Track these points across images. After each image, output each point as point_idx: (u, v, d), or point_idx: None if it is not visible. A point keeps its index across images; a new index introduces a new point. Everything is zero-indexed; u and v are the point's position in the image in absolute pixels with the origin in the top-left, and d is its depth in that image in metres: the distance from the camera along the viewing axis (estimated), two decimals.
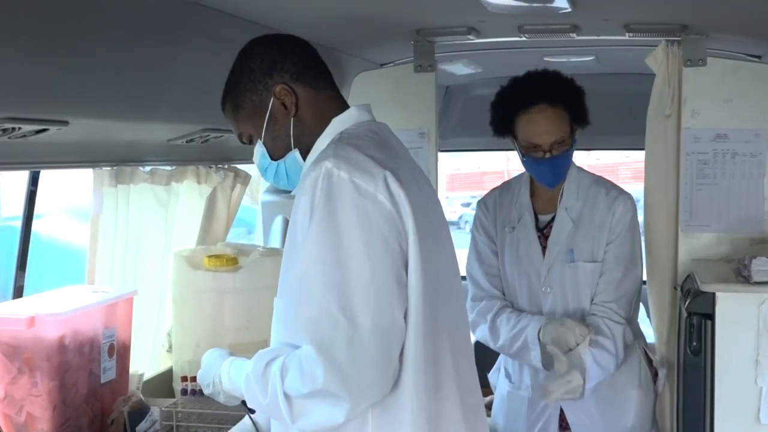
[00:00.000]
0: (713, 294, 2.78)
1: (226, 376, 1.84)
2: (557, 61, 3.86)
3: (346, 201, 1.65)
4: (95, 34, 2.03)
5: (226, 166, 3.31)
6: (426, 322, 1.70)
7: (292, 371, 1.65)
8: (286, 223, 4.01)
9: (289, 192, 1.90)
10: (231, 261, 2.97)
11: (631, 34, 3.03)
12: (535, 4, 2.60)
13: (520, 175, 2.85)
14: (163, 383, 3.04)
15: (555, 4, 2.61)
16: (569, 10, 2.65)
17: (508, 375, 2.94)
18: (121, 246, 2.98)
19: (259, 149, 1.90)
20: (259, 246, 3.54)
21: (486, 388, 3.93)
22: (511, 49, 3.52)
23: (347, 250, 1.64)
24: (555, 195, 2.76)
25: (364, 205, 1.65)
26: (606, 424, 2.78)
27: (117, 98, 2.27)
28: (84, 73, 2.07)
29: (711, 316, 2.79)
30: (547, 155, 2.65)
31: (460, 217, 19.41)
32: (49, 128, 2.07)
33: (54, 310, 2.31)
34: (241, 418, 2.48)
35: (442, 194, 2.18)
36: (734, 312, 2.75)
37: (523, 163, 2.72)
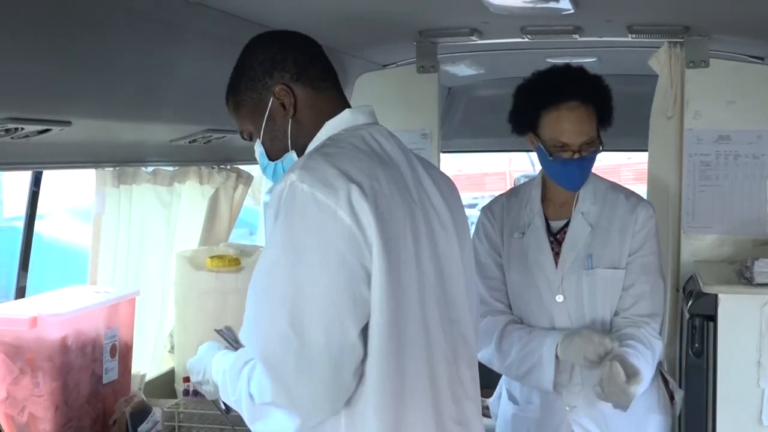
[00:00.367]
0: (716, 296, 2.78)
1: (215, 367, 1.87)
2: (560, 62, 3.86)
3: (305, 216, 1.64)
4: (98, 34, 2.03)
5: (228, 167, 3.31)
6: (390, 337, 1.68)
7: (255, 378, 1.70)
8: None
9: None
10: (233, 262, 2.97)
11: (633, 36, 3.03)
12: (538, 5, 2.60)
13: (530, 181, 2.68)
14: (165, 384, 3.04)
15: (558, 6, 2.61)
16: (572, 11, 2.65)
17: (512, 398, 2.71)
18: (124, 246, 2.98)
19: (258, 148, 1.90)
20: (262, 247, 3.54)
21: (487, 389, 3.94)
22: (514, 50, 3.52)
23: (301, 266, 1.63)
24: (569, 200, 2.57)
25: (322, 221, 1.63)
26: None
27: (119, 99, 2.27)
28: (87, 74, 2.08)
29: (713, 318, 2.79)
30: (576, 156, 2.46)
31: None
32: (52, 128, 2.08)
33: (56, 310, 2.31)
34: (240, 419, 2.48)
35: None
36: (736, 314, 2.75)
37: (546, 163, 2.52)
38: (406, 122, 3.40)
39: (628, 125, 4.00)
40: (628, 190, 2.67)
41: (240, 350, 1.81)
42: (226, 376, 1.78)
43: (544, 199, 2.61)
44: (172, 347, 3.15)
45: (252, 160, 3.32)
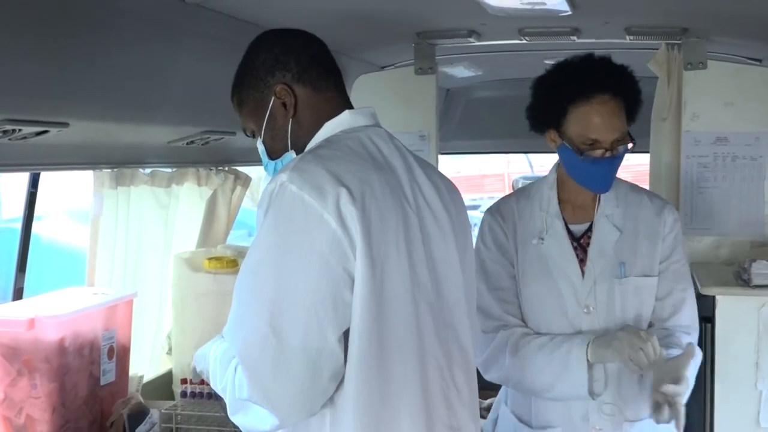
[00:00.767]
0: (713, 297, 2.79)
1: (211, 354, 1.88)
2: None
3: (292, 217, 1.64)
4: (96, 36, 2.03)
5: (226, 169, 3.31)
6: (371, 342, 1.67)
7: (238, 373, 1.70)
8: None
9: None
10: (231, 263, 2.97)
11: (631, 37, 3.03)
12: (536, 7, 2.60)
13: (540, 181, 2.46)
14: (162, 386, 3.04)
15: (556, 7, 2.61)
16: (570, 13, 2.65)
17: (524, 421, 2.43)
18: (122, 248, 2.98)
19: (260, 146, 1.90)
20: None
21: (486, 391, 3.93)
22: (512, 51, 3.52)
23: (284, 267, 1.63)
24: (587, 202, 2.37)
25: (308, 224, 1.63)
26: None
27: (117, 100, 2.27)
28: (85, 75, 2.07)
29: (711, 320, 2.80)
30: (607, 154, 2.25)
31: None
32: (50, 130, 2.07)
33: (54, 312, 2.30)
34: None
35: None
36: (734, 315, 2.76)
37: (573, 163, 2.30)
38: (404, 124, 3.40)
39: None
40: (649, 191, 2.54)
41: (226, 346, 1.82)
42: (217, 363, 1.80)
43: (560, 201, 2.41)
44: (170, 349, 3.15)
45: (250, 162, 3.35)
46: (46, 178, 2.86)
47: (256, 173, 3.67)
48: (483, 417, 3.58)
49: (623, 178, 2.44)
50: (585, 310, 2.31)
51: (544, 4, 2.58)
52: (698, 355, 2.25)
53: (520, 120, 4.91)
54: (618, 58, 3.66)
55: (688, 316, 2.36)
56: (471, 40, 3.13)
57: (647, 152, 3.29)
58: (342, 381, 1.68)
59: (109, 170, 2.85)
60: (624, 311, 2.31)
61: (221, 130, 2.82)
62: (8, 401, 2.28)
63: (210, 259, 2.97)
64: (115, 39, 2.10)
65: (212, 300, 2.91)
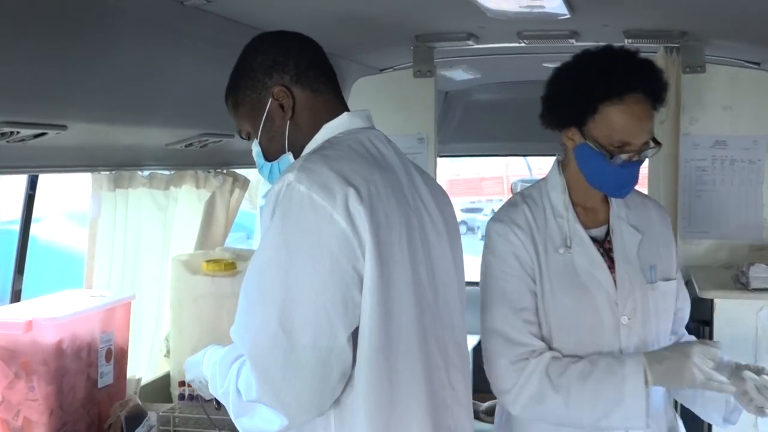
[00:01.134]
0: (711, 300, 2.79)
1: (206, 360, 1.88)
2: (557, 66, 3.86)
3: (301, 217, 1.64)
4: (94, 38, 2.03)
5: (224, 171, 3.31)
6: (380, 342, 1.68)
7: (243, 374, 1.70)
8: None
9: None
10: (229, 266, 2.97)
11: (630, 41, 3.03)
12: (534, 10, 2.60)
13: (541, 185, 2.26)
14: (160, 388, 3.04)
15: (554, 11, 2.61)
16: (568, 16, 2.66)
17: None
18: (120, 250, 2.97)
19: (255, 148, 1.90)
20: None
21: (485, 394, 3.93)
22: (511, 54, 3.52)
23: (294, 267, 1.63)
24: (597, 204, 2.22)
25: (318, 223, 1.63)
26: None
27: (116, 102, 2.27)
28: (83, 77, 2.07)
29: (709, 323, 2.80)
30: (635, 158, 2.09)
31: (460, 222, 19.40)
32: (48, 132, 2.07)
33: (52, 314, 2.30)
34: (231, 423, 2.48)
35: None
36: (732, 318, 2.76)
37: (595, 164, 2.12)
38: (403, 126, 3.40)
39: None
40: (640, 191, 2.39)
41: (231, 345, 1.81)
42: (216, 368, 1.79)
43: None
44: (168, 351, 3.14)
45: (248, 164, 3.34)
46: (44, 180, 2.86)
47: (255, 176, 3.66)
48: (480, 419, 3.59)
49: None
50: (623, 321, 2.12)
51: (543, 7, 2.58)
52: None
53: (518, 123, 4.92)
54: None
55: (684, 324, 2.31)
56: (470, 43, 3.13)
57: None
58: (350, 381, 1.68)
59: (108, 172, 2.85)
60: (656, 321, 2.17)
61: (219, 133, 2.82)
62: (6, 404, 2.28)
63: (208, 261, 2.97)
64: (113, 41, 2.10)
65: (210, 302, 2.91)
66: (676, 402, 2.41)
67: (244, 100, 1.86)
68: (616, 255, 2.17)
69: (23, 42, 1.83)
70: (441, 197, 1.92)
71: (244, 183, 3.41)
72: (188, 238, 3.22)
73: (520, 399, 2.10)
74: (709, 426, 2.78)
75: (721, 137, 3.17)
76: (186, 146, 2.80)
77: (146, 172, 3.02)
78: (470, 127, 4.69)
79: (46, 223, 6.10)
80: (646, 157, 2.13)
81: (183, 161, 3.06)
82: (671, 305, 2.22)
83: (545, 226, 2.19)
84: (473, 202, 21.28)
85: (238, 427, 1.75)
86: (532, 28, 2.96)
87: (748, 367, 2.05)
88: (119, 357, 2.59)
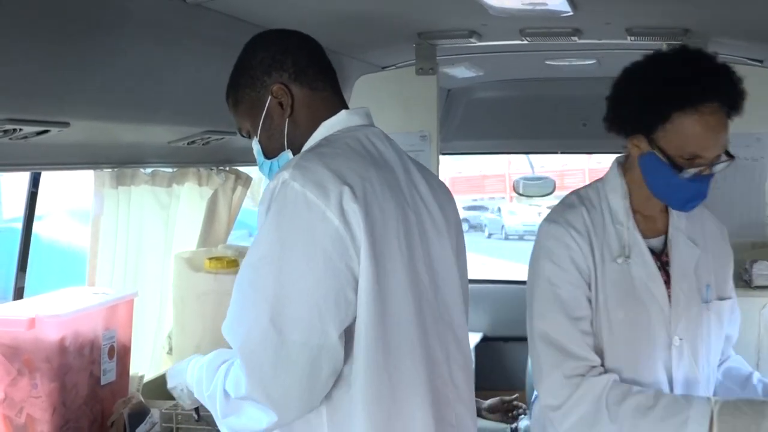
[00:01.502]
0: None
1: (191, 367, 1.91)
2: (559, 64, 3.86)
3: (295, 215, 1.65)
4: (96, 35, 2.03)
5: (227, 168, 3.31)
6: (377, 339, 1.68)
7: (232, 373, 1.72)
8: None
9: None
10: (232, 263, 2.97)
11: (632, 38, 3.03)
12: (537, 8, 2.59)
13: (599, 187, 2.12)
14: (163, 385, 3.02)
15: (557, 8, 2.61)
16: (571, 13, 2.65)
17: None
18: (122, 248, 2.98)
19: (255, 146, 1.91)
20: None
21: (488, 391, 3.92)
22: (513, 52, 3.52)
23: (287, 264, 1.64)
24: (656, 213, 2.10)
25: (311, 221, 1.64)
26: None
27: (118, 100, 2.27)
28: (85, 75, 2.07)
29: None
30: (706, 171, 1.95)
31: (462, 220, 19.40)
32: (50, 130, 2.07)
33: (54, 311, 2.30)
34: None
35: None
36: None
37: (663, 176, 1.97)
38: (405, 124, 3.40)
39: None
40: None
41: (218, 350, 1.84)
42: (203, 371, 1.81)
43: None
44: (171, 349, 3.15)
45: (251, 162, 3.33)
46: (47, 177, 2.86)
47: (257, 173, 3.66)
48: (482, 417, 3.59)
49: None
50: (675, 341, 2.01)
51: (545, 4, 2.57)
52: None
53: (521, 120, 4.93)
54: (619, 59, 3.63)
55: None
56: (472, 40, 3.13)
57: None
58: (344, 378, 1.69)
59: (110, 170, 2.85)
60: (710, 341, 2.06)
61: (222, 130, 2.82)
62: (8, 401, 2.28)
63: (210, 259, 2.97)
64: (115, 39, 2.10)
65: (213, 300, 2.91)
66: None
67: (243, 98, 1.88)
68: (673, 270, 2.04)
69: (25, 40, 1.83)
70: (442, 194, 1.93)
71: (247, 180, 3.41)
72: (191, 235, 3.22)
73: (570, 417, 1.98)
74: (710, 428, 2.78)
75: None
76: (188, 144, 2.80)
77: (149, 170, 3.02)
78: (472, 124, 4.69)
79: (48, 221, 6.11)
80: (718, 170, 1.98)
81: (185, 159, 3.07)
82: (724, 326, 2.11)
83: (603, 232, 2.05)
84: (476, 200, 21.33)
85: (225, 428, 1.76)
86: (535, 25, 2.96)
87: None
88: (122, 354, 2.59)
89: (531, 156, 12.30)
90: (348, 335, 1.68)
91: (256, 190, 3.89)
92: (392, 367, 1.71)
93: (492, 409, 3.59)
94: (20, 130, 1.99)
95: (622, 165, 2.11)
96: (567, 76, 4.21)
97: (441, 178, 3.53)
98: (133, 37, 2.17)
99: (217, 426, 1.83)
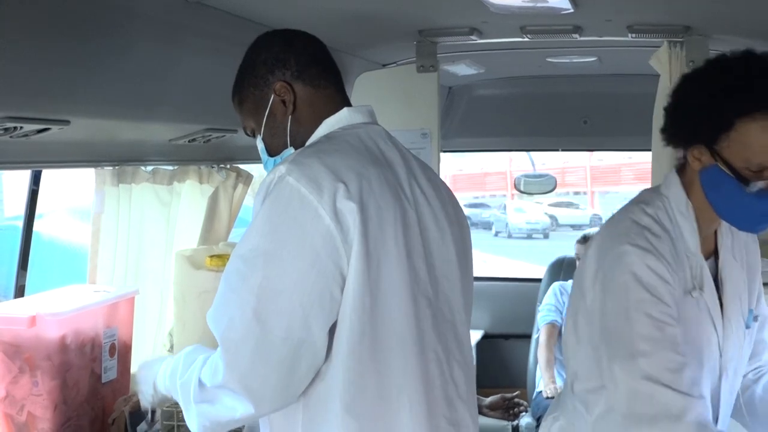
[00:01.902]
0: None
1: (166, 363, 1.91)
2: (560, 61, 3.86)
3: (287, 209, 1.66)
4: (97, 33, 2.03)
5: (228, 166, 3.31)
6: (363, 337, 1.69)
7: (210, 362, 1.73)
8: None
9: None
10: None
11: (633, 35, 3.03)
12: (537, 5, 2.59)
13: (665, 205, 1.91)
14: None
15: (557, 5, 2.60)
16: (571, 10, 2.65)
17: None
18: (123, 246, 2.98)
19: (259, 144, 1.93)
20: None
21: (489, 389, 3.92)
22: (514, 49, 3.52)
23: (275, 257, 1.65)
24: (711, 233, 1.96)
25: (303, 217, 1.65)
26: None
27: (119, 98, 2.27)
28: (86, 73, 2.07)
29: None
30: None
31: None
32: (51, 127, 2.07)
33: (55, 309, 2.30)
34: None
35: None
36: None
37: (725, 191, 1.81)
38: (406, 122, 3.40)
39: (629, 125, 4.02)
40: None
41: (197, 345, 1.87)
42: (180, 360, 1.82)
43: None
44: (172, 346, 3.15)
45: (251, 160, 3.35)
46: (48, 175, 2.86)
47: (258, 171, 3.67)
48: (483, 414, 3.59)
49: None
50: (726, 370, 1.91)
51: (546, 1, 2.57)
52: None
53: (522, 118, 4.92)
54: (620, 56, 3.62)
55: None
56: (473, 37, 3.13)
57: (649, 150, 3.28)
58: (320, 374, 1.70)
59: (111, 168, 2.85)
60: (741, 370, 1.97)
61: (223, 128, 2.82)
62: (10, 399, 2.28)
63: (211, 256, 2.97)
64: (116, 37, 2.10)
65: (213, 297, 2.91)
66: None
67: (248, 97, 1.90)
68: (726, 297, 1.92)
69: (26, 38, 1.83)
70: (445, 193, 1.93)
71: (248, 178, 3.41)
72: (191, 233, 3.22)
73: None
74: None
75: None
76: (189, 141, 2.80)
77: (149, 168, 3.02)
78: (474, 122, 4.70)
79: (49, 219, 6.11)
80: None
81: (186, 156, 3.07)
82: (749, 350, 2.01)
83: (678, 260, 1.87)
84: (477, 198, 21.35)
85: (194, 415, 1.76)
86: (536, 22, 2.95)
87: None
88: (123, 352, 2.59)
89: (532, 153, 12.32)
90: (330, 332, 1.69)
91: (257, 187, 3.88)
92: (380, 364, 1.71)
93: (493, 407, 3.59)
94: (21, 128, 1.99)
95: (682, 179, 1.92)
96: (568, 73, 4.22)
97: (442, 175, 3.54)
98: (134, 35, 2.17)
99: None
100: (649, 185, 3.30)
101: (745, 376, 2.04)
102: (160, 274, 3.11)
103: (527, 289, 5.08)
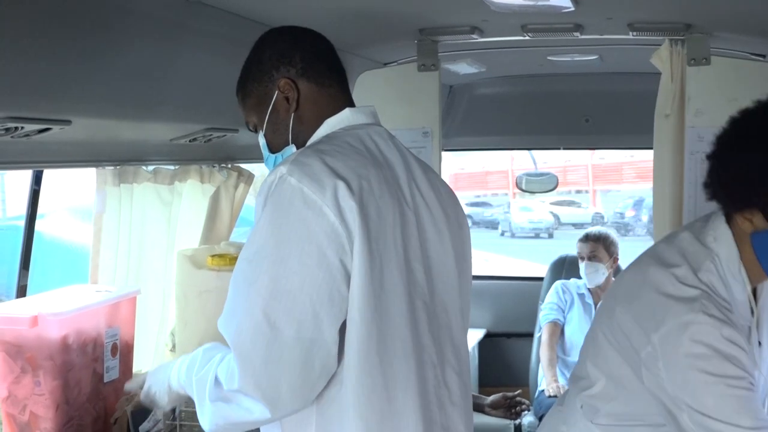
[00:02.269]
0: None
1: (181, 360, 1.89)
2: (561, 60, 3.86)
3: (291, 209, 1.66)
4: (98, 33, 2.03)
5: (229, 166, 3.31)
6: (370, 336, 1.68)
7: (225, 363, 1.71)
8: None
9: None
10: (234, 260, 2.93)
11: (634, 33, 3.03)
12: (538, 3, 2.59)
13: (717, 268, 1.81)
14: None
15: (558, 4, 2.60)
16: (572, 9, 2.65)
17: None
18: (124, 245, 2.98)
19: (261, 140, 1.93)
20: None
21: (491, 387, 3.91)
22: (515, 48, 3.52)
23: (281, 258, 1.65)
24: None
25: (307, 216, 1.64)
26: None
27: (120, 97, 2.27)
28: (87, 72, 2.08)
29: None
30: None
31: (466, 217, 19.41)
32: (52, 127, 2.07)
33: (57, 309, 2.31)
34: None
35: None
36: None
37: None
38: (407, 120, 3.40)
39: (630, 123, 4.02)
40: None
41: (216, 342, 1.84)
42: (198, 357, 1.81)
43: None
44: (174, 346, 3.15)
45: (253, 159, 3.35)
46: (49, 175, 2.86)
47: (260, 170, 3.67)
48: (485, 413, 3.60)
49: None
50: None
51: (547, 0, 2.57)
52: None
53: (523, 116, 4.92)
54: (621, 55, 3.62)
55: None
56: (474, 36, 3.12)
57: (651, 149, 3.28)
58: (337, 375, 1.69)
59: (112, 167, 2.85)
60: None
61: (224, 128, 2.82)
62: (12, 398, 2.29)
63: (213, 256, 2.97)
64: (117, 36, 2.10)
65: (215, 297, 2.91)
66: None
67: (252, 92, 1.89)
68: (764, 357, 1.88)
69: (27, 38, 1.83)
70: (445, 194, 1.92)
71: (249, 178, 3.41)
72: (193, 232, 3.22)
73: None
74: None
75: None
76: (190, 141, 2.80)
77: (151, 167, 3.02)
78: (475, 120, 4.69)
79: (51, 219, 6.12)
80: None
81: (187, 156, 3.07)
82: None
83: (741, 311, 1.82)
84: (478, 196, 21.34)
85: (208, 413, 1.74)
86: (536, 21, 2.95)
87: None
88: (125, 352, 2.59)
89: (534, 152, 12.31)
90: (340, 333, 1.68)
91: (258, 187, 3.89)
92: (386, 365, 1.70)
93: (495, 406, 3.59)
94: (22, 128, 1.99)
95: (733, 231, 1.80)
96: (569, 71, 4.21)
97: (443, 174, 3.54)
98: (135, 34, 2.17)
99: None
100: (650, 184, 3.31)
101: None
102: (161, 274, 3.11)
103: (529, 288, 5.08)
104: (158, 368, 2.02)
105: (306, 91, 1.85)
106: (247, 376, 1.65)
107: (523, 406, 3.67)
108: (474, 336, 4.82)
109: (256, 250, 1.68)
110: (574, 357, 4.43)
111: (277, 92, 1.85)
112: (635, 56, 3.48)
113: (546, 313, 4.59)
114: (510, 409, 3.62)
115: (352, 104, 1.90)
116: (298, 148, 1.85)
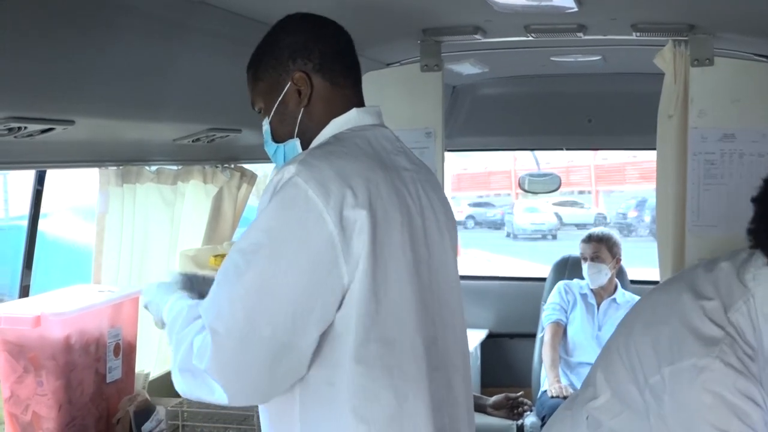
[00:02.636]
0: None
1: (169, 306, 1.87)
2: (564, 60, 3.86)
3: (292, 210, 1.65)
4: (101, 33, 2.03)
5: (232, 166, 3.31)
6: (367, 339, 1.67)
7: (201, 338, 1.69)
8: None
9: None
10: None
11: (638, 34, 3.02)
12: (542, 3, 2.59)
13: (750, 309, 1.74)
14: (168, 382, 3.01)
15: (562, 4, 2.60)
16: (576, 9, 2.65)
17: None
18: (127, 245, 2.98)
19: (265, 125, 1.89)
20: None
21: (493, 388, 3.91)
22: (518, 48, 3.51)
23: (273, 256, 1.64)
24: None
25: (307, 220, 1.64)
26: None
27: (123, 98, 2.28)
28: (90, 73, 2.08)
29: None
30: None
31: (468, 217, 19.41)
32: (55, 128, 2.08)
33: (60, 309, 2.31)
34: (244, 417, 2.49)
35: (448, 194, 2.11)
36: None
37: None
38: (410, 121, 3.39)
39: (633, 124, 4.02)
40: None
41: (198, 302, 1.81)
42: (180, 316, 1.79)
43: None
44: None
45: (256, 159, 3.35)
46: (52, 175, 2.86)
47: (262, 170, 3.67)
48: (487, 413, 3.59)
49: None
50: None
51: (550, 0, 2.57)
52: None
53: (526, 117, 4.92)
54: (625, 55, 3.62)
55: None
56: (477, 36, 3.12)
57: (654, 149, 3.28)
58: (328, 379, 1.69)
59: (115, 168, 2.86)
60: None
61: (227, 128, 2.82)
62: (14, 398, 2.29)
63: (216, 256, 2.98)
64: (120, 36, 2.10)
65: None
66: None
67: (264, 76, 1.85)
68: None
69: (29, 37, 1.83)
70: (443, 196, 1.93)
71: (252, 178, 3.41)
72: (196, 233, 3.23)
73: None
74: None
75: (729, 130, 3.15)
76: (193, 141, 2.80)
77: (153, 167, 3.02)
78: (478, 121, 4.69)
79: (54, 219, 6.12)
80: None
81: (190, 156, 3.07)
82: None
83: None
84: (481, 197, 21.34)
85: (177, 376, 1.75)
86: (540, 21, 2.95)
87: None
88: (127, 352, 2.59)
89: (536, 152, 12.31)
90: (330, 339, 1.67)
91: (261, 187, 3.89)
92: (394, 370, 1.70)
93: (497, 406, 3.58)
94: (25, 128, 2.00)
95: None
96: (572, 72, 4.21)
97: (446, 175, 3.53)
98: (138, 34, 2.17)
99: (225, 423, 1.81)
100: (653, 184, 3.31)
101: None
102: (164, 274, 3.11)
103: (532, 288, 5.07)
104: (159, 288, 1.97)
105: (319, 88, 1.82)
106: (215, 360, 1.64)
107: (526, 407, 3.65)
108: (476, 336, 4.82)
109: (250, 243, 1.68)
110: (576, 357, 4.44)
111: (290, 83, 1.82)
112: (638, 57, 3.48)
113: (549, 314, 4.58)
114: (512, 409, 3.60)
115: (362, 104, 1.88)
116: (302, 143, 1.84)
